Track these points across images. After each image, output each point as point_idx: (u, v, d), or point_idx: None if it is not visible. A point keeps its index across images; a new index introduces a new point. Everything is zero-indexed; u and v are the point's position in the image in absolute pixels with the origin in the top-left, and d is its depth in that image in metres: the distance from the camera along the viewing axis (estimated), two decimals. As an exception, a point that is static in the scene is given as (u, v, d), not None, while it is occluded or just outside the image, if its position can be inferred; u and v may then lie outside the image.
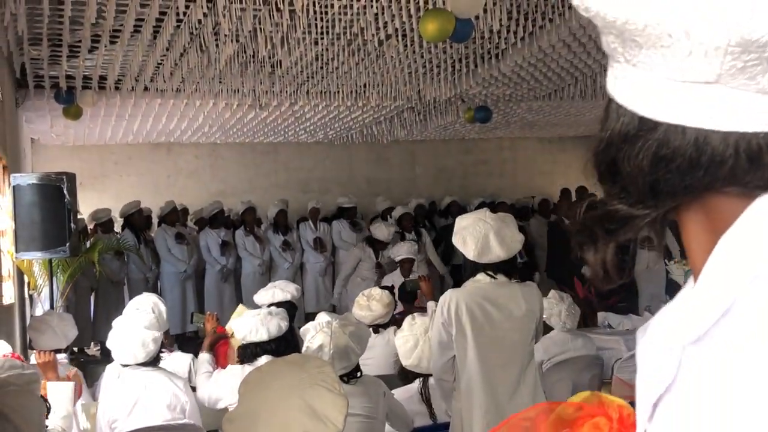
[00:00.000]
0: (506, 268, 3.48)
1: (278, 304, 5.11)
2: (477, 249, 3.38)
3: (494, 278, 3.46)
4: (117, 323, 4.14)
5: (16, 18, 5.83)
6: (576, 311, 5.37)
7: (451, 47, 7.20)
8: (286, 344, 4.30)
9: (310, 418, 1.94)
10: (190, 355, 4.96)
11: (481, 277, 3.48)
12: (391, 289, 5.96)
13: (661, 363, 0.67)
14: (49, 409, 2.63)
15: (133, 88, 8.00)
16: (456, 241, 3.44)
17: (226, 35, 6.35)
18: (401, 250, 8.18)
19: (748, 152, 0.63)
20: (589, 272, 0.74)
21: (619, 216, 0.70)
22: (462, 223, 3.49)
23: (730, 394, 0.60)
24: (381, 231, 9.24)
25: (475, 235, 3.39)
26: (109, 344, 4.05)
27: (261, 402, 2.00)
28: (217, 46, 6.69)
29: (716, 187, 0.66)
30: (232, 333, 4.54)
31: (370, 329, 4.81)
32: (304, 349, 3.60)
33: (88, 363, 7.41)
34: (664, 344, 0.67)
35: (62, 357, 5.21)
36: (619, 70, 0.69)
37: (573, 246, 0.74)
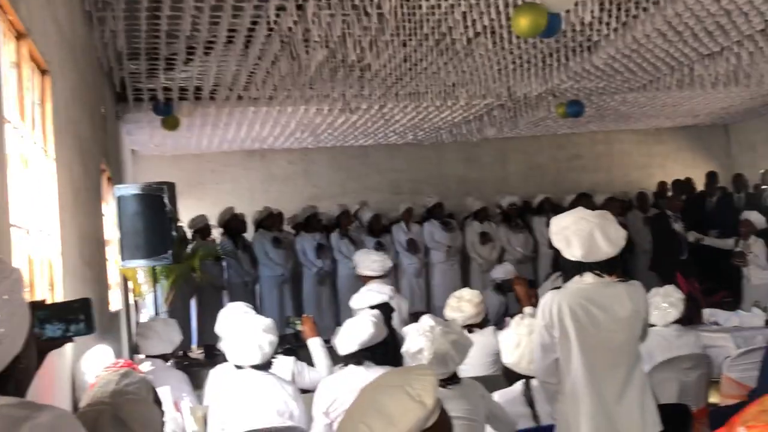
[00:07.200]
0: (611, 267, 3.37)
1: (375, 306, 5.12)
2: (585, 248, 3.27)
3: (601, 277, 3.35)
4: (235, 324, 4.19)
5: (116, 35, 6.05)
6: (680, 303, 5.29)
7: (541, 42, 7.08)
8: (384, 347, 4.29)
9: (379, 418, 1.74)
10: (292, 358, 5.00)
11: (584, 277, 3.38)
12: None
13: None
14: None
15: (227, 97, 8.19)
16: (557, 241, 3.33)
17: (316, 41, 6.43)
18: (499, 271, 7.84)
19: None
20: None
21: None
22: (561, 222, 3.37)
23: None
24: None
25: (580, 234, 3.28)
26: (223, 345, 4.09)
27: None
28: (307, 52, 6.78)
29: None
30: None
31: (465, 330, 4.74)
32: (403, 349, 3.59)
33: (192, 366, 7.60)
34: None
35: (169, 363, 5.37)
36: None
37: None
